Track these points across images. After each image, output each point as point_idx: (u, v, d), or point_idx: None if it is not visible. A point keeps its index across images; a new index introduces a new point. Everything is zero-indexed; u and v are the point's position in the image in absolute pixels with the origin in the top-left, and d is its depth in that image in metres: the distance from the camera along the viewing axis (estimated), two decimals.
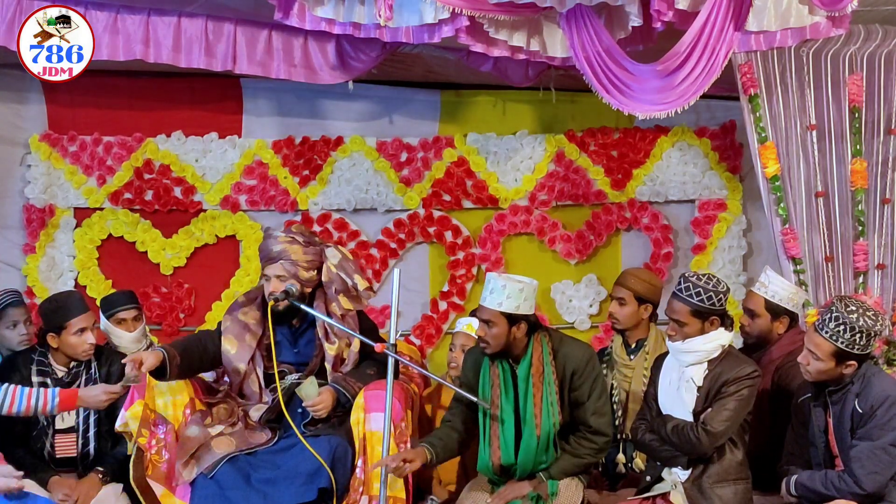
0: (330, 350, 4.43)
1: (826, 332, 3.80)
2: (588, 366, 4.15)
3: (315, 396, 4.27)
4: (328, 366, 4.44)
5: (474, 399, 4.16)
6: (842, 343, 3.78)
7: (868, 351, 3.83)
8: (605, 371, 4.63)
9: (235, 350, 4.47)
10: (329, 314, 4.43)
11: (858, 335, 3.77)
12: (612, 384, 4.63)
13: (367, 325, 4.63)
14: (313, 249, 4.48)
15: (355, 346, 4.47)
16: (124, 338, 4.93)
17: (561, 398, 4.12)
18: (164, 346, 4.42)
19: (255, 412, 4.43)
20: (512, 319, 4.05)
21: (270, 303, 4.39)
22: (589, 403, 4.13)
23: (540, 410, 4.08)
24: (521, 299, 4.04)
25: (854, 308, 3.81)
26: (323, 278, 4.48)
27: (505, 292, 4.02)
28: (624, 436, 4.58)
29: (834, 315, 3.80)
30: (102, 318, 5.03)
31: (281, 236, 4.45)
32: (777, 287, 4.48)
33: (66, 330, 4.48)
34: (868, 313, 3.81)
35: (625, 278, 4.70)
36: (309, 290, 4.47)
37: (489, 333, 4.07)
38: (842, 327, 3.78)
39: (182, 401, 4.40)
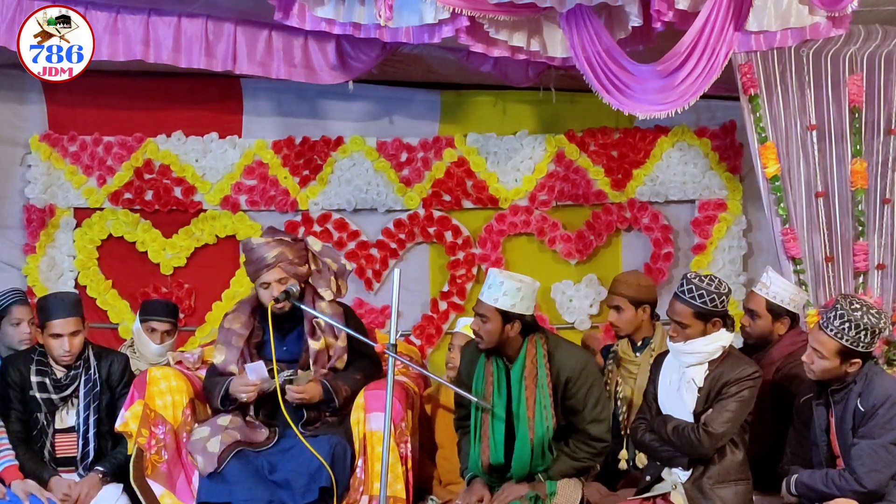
0: (314, 345, 4.46)
1: (831, 330, 3.81)
2: (583, 374, 4.12)
3: (304, 383, 4.31)
4: (311, 360, 4.46)
5: (474, 399, 4.17)
6: (847, 341, 3.79)
7: (872, 349, 3.85)
8: (611, 368, 4.62)
9: (223, 356, 4.49)
10: (316, 310, 4.47)
11: (863, 332, 3.78)
12: (618, 381, 4.61)
13: (358, 325, 4.64)
14: (298, 244, 4.56)
15: (342, 340, 4.50)
16: (148, 347, 4.94)
17: (555, 402, 4.11)
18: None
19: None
20: (506, 317, 4.07)
21: (271, 303, 4.41)
22: (586, 412, 4.12)
23: (533, 413, 4.08)
24: (517, 298, 4.06)
25: (858, 306, 3.82)
26: (313, 268, 4.55)
27: (502, 289, 4.05)
28: (628, 432, 4.56)
29: (839, 313, 3.81)
30: (137, 320, 5.04)
31: (271, 241, 4.50)
32: (778, 288, 4.47)
33: (45, 330, 4.45)
34: (872, 311, 3.83)
35: (616, 285, 4.67)
36: (303, 285, 4.52)
37: (482, 328, 4.11)
38: (847, 325, 3.78)
39: (182, 401, 4.40)
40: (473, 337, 4.52)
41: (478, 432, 4.15)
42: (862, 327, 3.78)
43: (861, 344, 3.80)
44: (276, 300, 4.40)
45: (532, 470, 4.11)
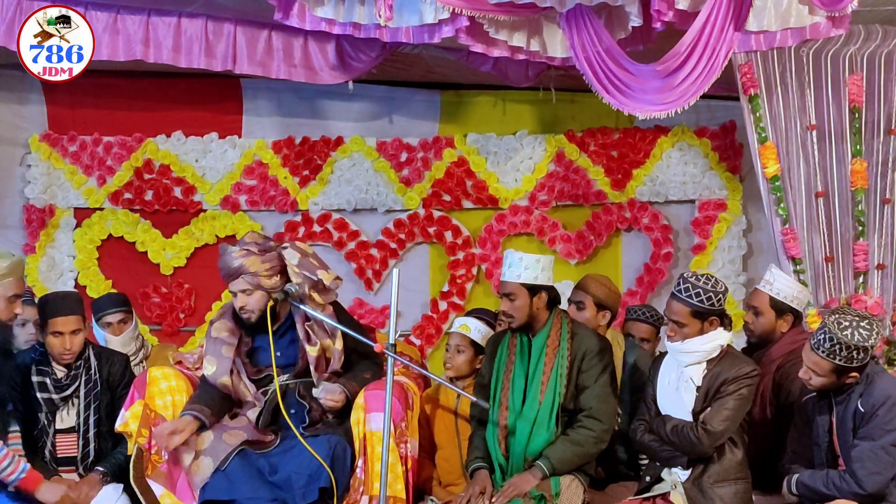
0: (311, 351, 4.41)
1: (823, 352, 3.79)
2: (600, 353, 4.27)
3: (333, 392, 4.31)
4: (312, 368, 4.43)
5: (473, 399, 4.25)
6: (840, 360, 3.78)
7: (867, 361, 3.83)
8: None
9: (214, 367, 4.40)
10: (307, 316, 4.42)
11: (855, 351, 3.76)
12: None
13: (351, 323, 4.62)
14: (270, 255, 4.40)
15: (339, 343, 4.46)
16: (111, 342, 4.92)
17: (570, 376, 4.21)
18: (193, 407, 4.31)
19: (252, 413, 4.43)
20: (532, 290, 4.22)
21: (270, 303, 4.38)
22: (593, 388, 4.22)
23: (548, 378, 4.21)
24: (538, 270, 4.23)
25: (847, 324, 3.78)
26: (295, 280, 4.40)
27: (522, 264, 4.23)
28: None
29: (828, 336, 3.78)
30: (93, 323, 5.03)
31: (236, 251, 4.37)
32: (782, 285, 4.48)
33: (47, 328, 4.43)
34: (862, 324, 3.79)
35: (586, 283, 4.76)
36: (276, 294, 4.40)
37: (512, 306, 4.25)
38: (837, 347, 3.76)
39: (182, 401, 4.40)
40: (469, 338, 4.58)
41: (497, 397, 4.27)
42: (853, 347, 3.75)
43: (855, 361, 3.78)
44: (275, 300, 4.37)
45: (532, 437, 4.18)
